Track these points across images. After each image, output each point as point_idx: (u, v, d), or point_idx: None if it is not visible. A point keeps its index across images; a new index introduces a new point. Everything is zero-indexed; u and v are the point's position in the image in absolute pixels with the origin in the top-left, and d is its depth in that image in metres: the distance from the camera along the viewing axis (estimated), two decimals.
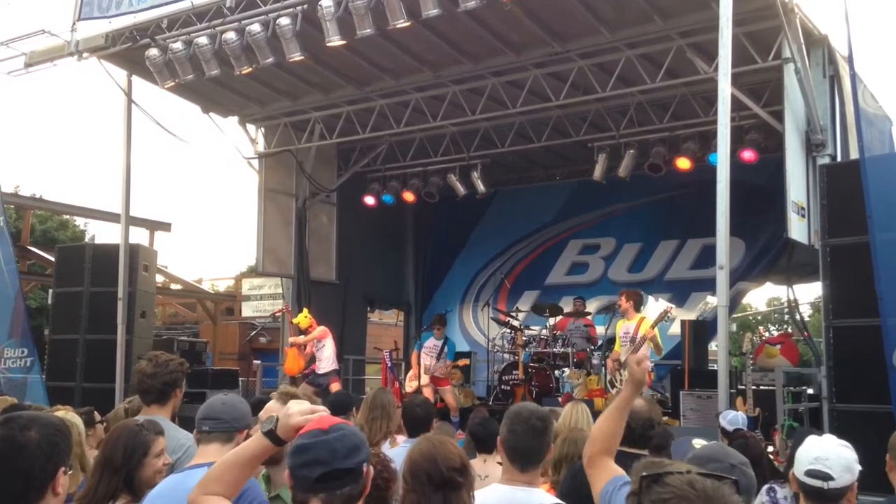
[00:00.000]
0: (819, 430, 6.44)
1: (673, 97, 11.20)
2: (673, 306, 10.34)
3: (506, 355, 12.20)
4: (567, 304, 12.73)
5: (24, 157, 55.44)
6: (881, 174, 6.55)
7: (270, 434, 2.17)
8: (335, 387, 10.38)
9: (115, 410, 5.16)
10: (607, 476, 2.68)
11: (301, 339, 11.03)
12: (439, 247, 16.36)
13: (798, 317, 13.91)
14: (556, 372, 11.14)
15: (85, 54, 10.47)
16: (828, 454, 2.73)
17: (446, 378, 10.94)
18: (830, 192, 7.41)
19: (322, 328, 11.04)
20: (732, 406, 7.18)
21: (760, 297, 36.24)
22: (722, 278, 7.15)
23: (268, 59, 9.35)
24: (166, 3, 9.73)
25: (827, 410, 7.20)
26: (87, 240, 24.54)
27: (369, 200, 14.14)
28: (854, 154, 8.39)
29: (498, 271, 15.32)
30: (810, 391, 9.46)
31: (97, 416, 5.66)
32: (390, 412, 4.84)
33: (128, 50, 10.18)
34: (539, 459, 2.96)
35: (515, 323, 12.00)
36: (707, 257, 12.08)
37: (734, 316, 19.24)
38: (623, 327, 9.20)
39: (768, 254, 12.77)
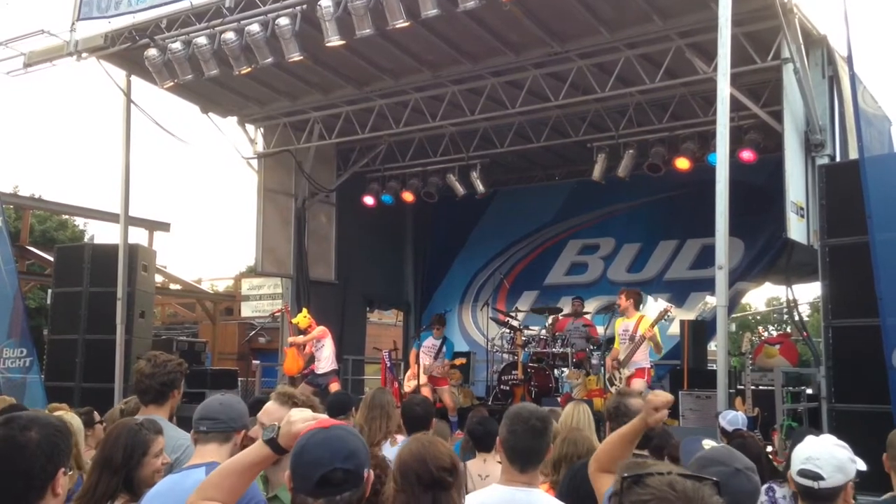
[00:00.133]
0: (818, 430, 6.45)
1: (672, 97, 11.20)
2: (672, 306, 10.34)
3: (505, 355, 12.21)
4: (566, 305, 12.74)
5: (24, 158, 55.50)
6: (881, 174, 6.56)
7: (272, 442, 2.15)
8: (334, 387, 10.38)
9: (111, 411, 5.15)
10: (609, 483, 2.71)
11: (300, 339, 11.03)
12: (438, 247, 16.37)
13: (797, 317, 13.91)
14: (556, 372, 11.16)
15: (84, 54, 10.46)
16: (819, 454, 2.73)
17: (444, 378, 10.95)
18: (829, 192, 7.42)
19: (321, 328, 11.04)
20: (731, 406, 7.18)
21: (760, 297, 36.31)
22: (721, 278, 7.15)
23: (267, 60, 9.34)
24: (165, 4, 9.72)
25: (826, 410, 7.20)
26: (86, 240, 24.54)
27: (368, 200, 14.14)
28: (853, 154, 8.39)
29: (497, 271, 15.32)
30: (809, 391, 9.47)
31: (97, 417, 5.67)
32: (389, 412, 4.84)
33: (127, 50, 10.17)
34: (539, 460, 2.96)
35: (515, 323, 12.00)
36: (706, 257, 12.09)
37: (733, 316, 19.24)
38: (622, 325, 9.22)
39: (767, 254, 12.78)
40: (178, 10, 9.66)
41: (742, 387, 8.87)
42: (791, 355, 11.07)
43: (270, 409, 2.98)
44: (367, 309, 16.18)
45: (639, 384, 8.56)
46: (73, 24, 10.30)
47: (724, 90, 7.38)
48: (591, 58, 10.33)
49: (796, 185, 8.58)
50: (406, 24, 8.48)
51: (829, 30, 9.09)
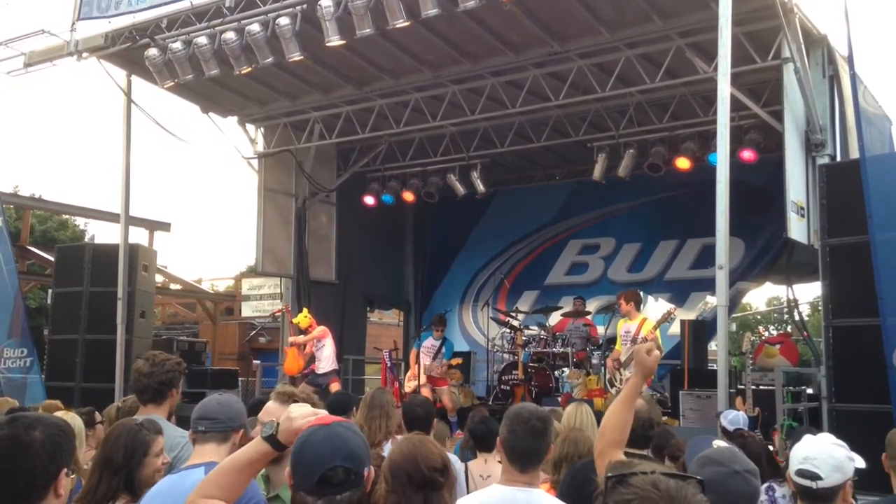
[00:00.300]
0: (818, 429, 6.45)
1: (672, 97, 11.20)
2: (675, 307, 10.34)
3: (505, 355, 12.21)
4: (567, 304, 12.74)
5: (24, 158, 55.50)
6: (881, 174, 6.56)
7: (271, 439, 2.14)
8: (335, 387, 10.39)
9: (108, 409, 5.13)
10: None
11: (301, 338, 11.04)
12: (439, 247, 16.37)
13: (797, 317, 13.91)
14: (556, 372, 11.16)
15: (84, 54, 10.47)
16: (817, 454, 2.73)
17: (444, 378, 10.96)
18: (830, 191, 7.42)
19: (322, 328, 11.04)
20: (732, 406, 7.18)
21: (760, 296, 36.30)
22: (721, 278, 7.14)
23: (267, 59, 9.34)
24: (166, 3, 9.72)
25: (826, 410, 7.21)
26: (86, 240, 24.53)
27: (369, 200, 14.14)
28: (853, 154, 8.39)
29: (497, 271, 15.32)
30: (810, 391, 9.46)
31: (98, 417, 5.67)
32: (389, 412, 4.84)
33: (127, 50, 10.17)
34: (539, 460, 2.96)
35: (515, 323, 12.00)
36: (707, 257, 12.09)
37: (734, 316, 19.24)
38: (624, 326, 9.22)
39: (768, 254, 12.78)
40: (179, 9, 9.66)
41: (742, 386, 8.86)
42: (791, 355, 11.06)
43: (271, 408, 2.98)
44: (368, 309, 16.18)
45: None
46: (73, 23, 10.30)
47: (724, 90, 7.37)
48: (591, 58, 10.33)
49: (797, 184, 8.58)
50: (406, 23, 8.48)
51: (829, 29, 9.10)
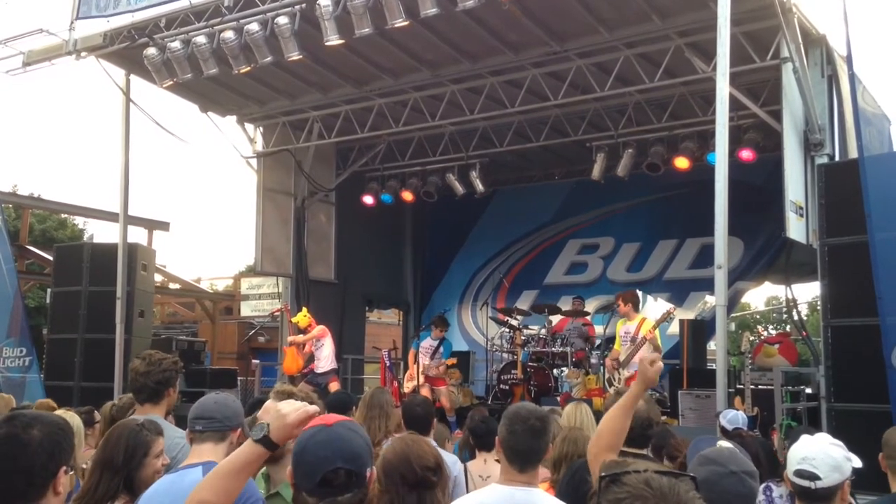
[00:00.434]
0: (817, 429, 6.45)
1: (671, 97, 11.20)
2: (675, 307, 10.34)
3: (504, 355, 12.22)
4: (566, 304, 12.75)
5: (23, 157, 55.46)
6: (880, 173, 6.56)
7: (264, 440, 2.13)
8: (334, 386, 10.40)
9: (104, 408, 5.12)
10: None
11: (300, 338, 11.04)
12: (438, 246, 16.37)
13: (796, 316, 13.92)
14: (555, 371, 11.16)
15: (83, 53, 10.46)
16: (815, 454, 2.73)
17: (442, 378, 10.96)
18: (829, 191, 7.44)
19: (321, 327, 11.05)
20: (731, 405, 7.18)
21: (759, 296, 36.31)
22: (720, 278, 7.14)
23: (266, 59, 9.34)
24: (164, 3, 9.72)
25: (825, 410, 7.22)
26: (85, 239, 24.53)
27: (368, 200, 14.14)
28: (852, 154, 8.40)
29: (496, 271, 15.33)
30: (809, 390, 9.47)
31: (97, 416, 5.66)
32: (388, 411, 4.84)
33: (126, 49, 10.17)
34: (538, 459, 2.96)
35: (514, 322, 12.00)
36: (706, 257, 12.10)
37: (733, 315, 19.26)
38: (623, 327, 9.22)
39: (767, 253, 12.79)
40: (177, 9, 9.65)
41: (741, 386, 8.86)
42: (790, 355, 11.06)
43: (270, 407, 2.98)
44: (367, 308, 16.18)
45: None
46: (72, 23, 10.29)
47: (723, 89, 7.37)
48: (590, 57, 10.33)
49: (795, 184, 8.58)
50: (405, 23, 8.48)
51: (828, 29, 9.10)
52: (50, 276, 13.23)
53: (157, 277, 16.92)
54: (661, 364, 2.95)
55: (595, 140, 12.24)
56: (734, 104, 8.84)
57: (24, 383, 10.62)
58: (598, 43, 9.99)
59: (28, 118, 60.83)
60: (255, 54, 9.35)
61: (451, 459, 4.45)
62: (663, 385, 11.35)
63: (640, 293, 10.46)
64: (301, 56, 9.25)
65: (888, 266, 6.19)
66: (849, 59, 6.91)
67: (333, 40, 8.82)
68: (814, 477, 2.69)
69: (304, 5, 8.85)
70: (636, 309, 9.25)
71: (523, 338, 11.56)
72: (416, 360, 10.98)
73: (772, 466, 4.56)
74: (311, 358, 11.13)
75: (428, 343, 11.23)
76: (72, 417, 4.50)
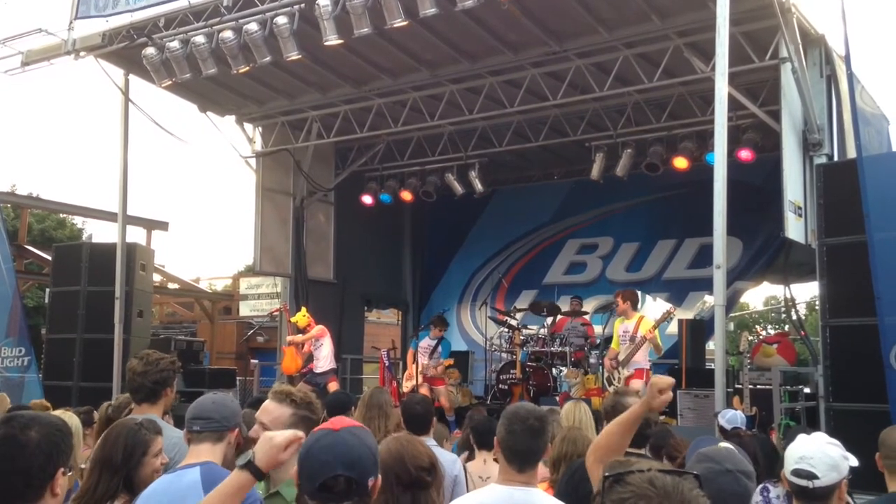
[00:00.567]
0: (815, 429, 6.45)
1: (670, 97, 11.21)
2: (674, 307, 10.34)
3: (503, 354, 12.22)
4: (564, 304, 12.75)
5: (22, 156, 55.44)
6: (879, 173, 6.57)
7: (249, 466, 2.13)
8: (333, 386, 10.40)
9: (101, 408, 5.11)
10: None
11: (299, 337, 11.04)
12: (437, 246, 16.36)
13: (795, 316, 13.93)
14: (554, 371, 11.16)
15: (82, 53, 10.45)
16: (813, 453, 2.74)
17: (441, 378, 10.96)
18: (827, 191, 7.44)
19: (320, 327, 11.05)
20: (729, 405, 7.19)
21: (757, 296, 36.29)
22: (719, 278, 7.15)
23: (265, 58, 9.33)
24: (163, 2, 9.71)
25: (823, 409, 7.22)
26: (84, 239, 24.51)
27: (367, 199, 14.14)
28: (851, 154, 8.39)
29: (496, 270, 15.33)
30: (807, 390, 9.49)
31: (96, 416, 5.65)
32: (387, 411, 4.84)
33: (125, 49, 10.16)
34: (537, 460, 2.96)
35: (513, 322, 12.00)
36: (705, 257, 12.10)
37: (731, 315, 19.25)
38: (621, 326, 9.22)
39: (765, 253, 12.79)
40: (176, 8, 9.65)
41: (740, 386, 8.87)
42: (789, 354, 11.08)
43: (269, 407, 2.97)
44: (366, 308, 16.18)
45: (637, 384, 8.56)
46: (70, 22, 10.28)
47: (722, 89, 7.38)
48: (589, 57, 10.33)
49: (794, 184, 8.59)
50: (404, 23, 8.47)
51: (826, 29, 9.10)
52: (48, 276, 13.21)
53: (156, 277, 16.91)
54: (669, 395, 2.78)
55: (594, 140, 12.25)
56: (733, 104, 8.85)
57: (23, 383, 10.61)
58: (597, 43, 9.99)
59: (27, 118, 60.86)
60: (254, 54, 9.35)
61: (451, 459, 4.45)
62: None
63: (639, 293, 10.45)
64: (300, 56, 9.25)
65: (887, 266, 6.20)
66: (847, 59, 6.92)
67: (332, 40, 8.82)
68: (812, 476, 2.69)
69: (303, 5, 8.85)
70: (634, 307, 9.25)
71: (522, 337, 11.56)
72: (414, 360, 10.99)
73: (770, 466, 4.55)
74: (309, 358, 11.13)
75: (426, 343, 11.23)
76: (70, 418, 4.49)
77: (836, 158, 8.85)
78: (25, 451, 2.02)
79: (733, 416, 5.99)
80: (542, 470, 4.22)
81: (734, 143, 10.03)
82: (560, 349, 11.13)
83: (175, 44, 9.60)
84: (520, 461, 2.89)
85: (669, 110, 11.44)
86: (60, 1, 10.38)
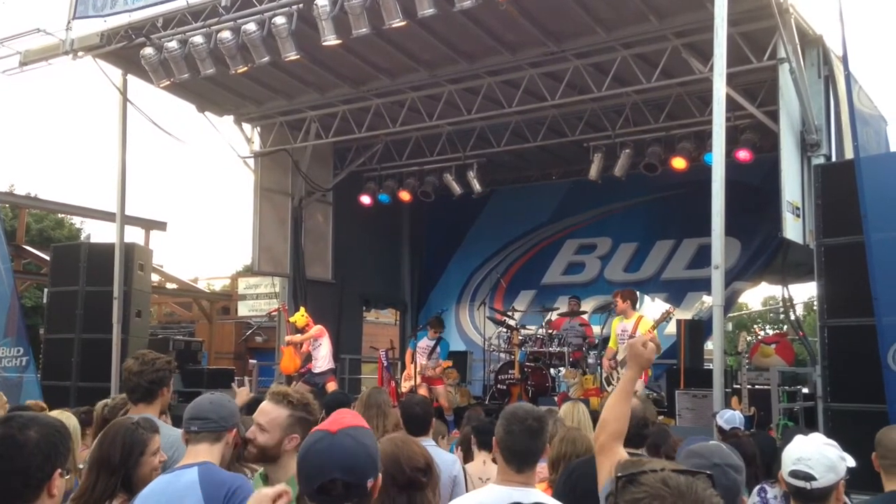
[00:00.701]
0: (813, 429, 6.46)
1: (668, 97, 11.21)
2: (674, 307, 10.35)
3: (502, 354, 12.22)
4: (563, 304, 12.75)
5: (20, 156, 55.37)
6: (876, 174, 6.57)
7: None
8: (331, 386, 10.40)
9: (96, 408, 5.11)
10: (610, 470, 2.68)
11: (297, 337, 11.04)
12: (435, 246, 16.36)
13: (793, 316, 13.95)
14: (552, 371, 11.16)
15: (80, 53, 10.45)
16: (810, 454, 2.74)
17: (440, 378, 10.97)
18: (825, 191, 7.45)
19: (318, 327, 11.04)
20: (728, 405, 7.19)
21: (756, 296, 36.31)
22: (717, 278, 7.16)
23: (263, 59, 9.33)
24: (161, 2, 9.71)
25: (822, 410, 7.23)
26: (82, 239, 24.48)
27: (365, 200, 14.14)
28: (849, 154, 8.41)
29: (494, 271, 15.32)
30: (805, 390, 9.49)
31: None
32: (385, 411, 4.84)
33: (123, 49, 10.16)
34: (535, 460, 2.96)
35: (512, 322, 12.01)
36: (703, 257, 12.09)
37: (730, 315, 19.27)
38: (620, 325, 9.22)
39: (763, 253, 12.80)
40: (175, 8, 9.65)
41: (738, 386, 8.87)
42: (787, 355, 11.09)
43: (266, 408, 2.97)
44: (364, 308, 16.18)
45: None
46: (68, 22, 10.27)
47: (720, 90, 7.39)
48: (587, 57, 10.34)
49: (792, 184, 8.60)
50: (402, 23, 8.48)
51: (824, 30, 9.12)
52: (47, 276, 13.20)
53: (154, 277, 16.89)
54: (653, 345, 2.88)
55: (592, 140, 12.26)
56: (731, 105, 8.85)
57: (21, 383, 10.59)
58: (595, 43, 10.00)
59: (25, 118, 60.79)
60: (253, 54, 9.35)
61: (450, 459, 4.45)
62: (660, 385, 11.38)
63: (637, 292, 10.45)
64: (298, 56, 9.25)
65: (884, 266, 6.20)
66: (844, 60, 6.92)
67: (331, 40, 8.82)
68: (809, 478, 2.69)
69: (301, 5, 8.85)
70: (633, 307, 9.27)
71: (520, 337, 11.56)
72: (413, 360, 10.99)
73: (768, 466, 4.56)
74: (308, 358, 11.13)
75: (425, 343, 11.23)
76: (68, 418, 4.48)
77: (833, 159, 8.87)
78: (24, 451, 2.02)
79: (731, 417, 6.00)
80: (542, 467, 4.22)
81: (732, 143, 10.03)
82: (558, 349, 11.13)
83: (173, 44, 9.60)
84: (518, 461, 2.90)
85: (667, 111, 11.45)
86: (59, 1, 10.39)
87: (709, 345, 12.23)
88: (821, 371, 7.29)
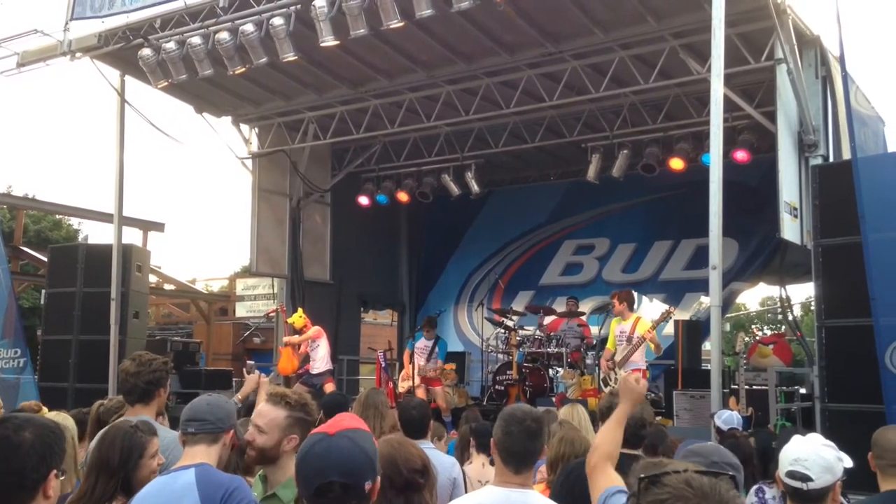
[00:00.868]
0: (810, 429, 6.46)
1: (666, 98, 11.22)
2: (673, 308, 10.35)
3: (500, 355, 12.22)
4: (561, 305, 12.75)
5: (18, 158, 55.30)
6: (873, 174, 6.58)
7: None
8: (329, 387, 10.39)
9: (92, 409, 5.10)
10: (605, 484, 2.77)
11: (295, 338, 11.03)
12: (433, 247, 16.36)
13: (791, 317, 13.96)
14: (550, 372, 11.17)
15: (78, 54, 10.43)
16: (807, 455, 2.74)
17: (438, 379, 10.97)
18: (823, 192, 7.45)
19: (316, 328, 11.03)
20: (725, 406, 7.20)
21: (753, 297, 36.36)
22: (715, 278, 7.16)
23: (261, 60, 9.33)
24: (159, 3, 9.69)
25: (819, 410, 7.24)
26: (80, 240, 24.46)
27: (363, 200, 14.13)
28: (846, 155, 8.42)
29: (492, 272, 15.33)
30: (803, 391, 9.51)
31: None
32: (383, 412, 4.83)
33: (121, 50, 10.15)
34: (533, 461, 2.96)
35: (510, 323, 12.01)
36: (701, 258, 12.09)
37: (727, 316, 19.29)
38: (618, 326, 9.22)
39: (761, 254, 12.81)
40: (172, 9, 9.64)
41: (736, 386, 8.89)
42: (785, 355, 11.09)
43: (263, 409, 2.97)
44: (362, 309, 16.17)
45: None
46: (66, 23, 10.26)
47: (717, 91, 7.39)
48: (585, 58, 10.34)
49: (790, 185, 8.61)
50: (400, 24, 8.48)
51: (822, 30, 9.13)
52: (44, 277, 13.17)
53: (152, 278, 16.85)
54: (645, 382, 3.15)
55: (590, 141, 12.26)
56: (729, 105, 8.87)
57: (19, 384, 10.57)
58: (593, 44, 10.00)
59: (23, 119, 60.74)
60: (251, 55, 9.35)
61: (449, 462, 4.45)
62: (658, 385, 11.38)
63: (635, 293, 10.46)
64: (296, 57, 9.25)
65: (882, 267, 6.20)
66: (842, 60, 6.92)
67: (328, 41, 8.82)
68: (806, 478, 2.69)
69: (299, 6, 8.85)
70: (631, 308, 9.27)
71: (519, 338, 11.57)
72: (411, 361, 10.99)
73: (766, 467, 4.56)
74: (306, 359, 11.12)
75: (423, 343, 11.24)
76: (65, 419, 4.47)
77: (831, 159, 8.87)
78: (19, 452, 2.02)
79: (729, 417, 6.01)
80: (543, 471, 4.22)
81: (730, 144, 10.04)
82: (556, 350, 11.14)
83: (171, 45, 9.59)
84: (516, 463, 2.89)
85: (665, 111, 11.45)
86: (56, 2, 10.37)
87: (706, 345, 12.23)
88: (818, 371, 7.30)
